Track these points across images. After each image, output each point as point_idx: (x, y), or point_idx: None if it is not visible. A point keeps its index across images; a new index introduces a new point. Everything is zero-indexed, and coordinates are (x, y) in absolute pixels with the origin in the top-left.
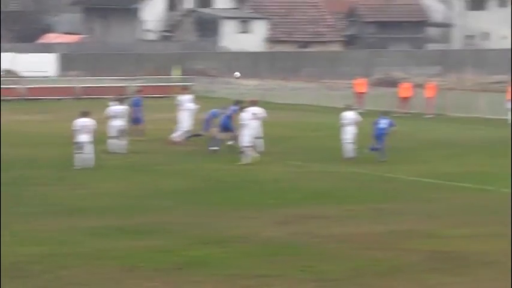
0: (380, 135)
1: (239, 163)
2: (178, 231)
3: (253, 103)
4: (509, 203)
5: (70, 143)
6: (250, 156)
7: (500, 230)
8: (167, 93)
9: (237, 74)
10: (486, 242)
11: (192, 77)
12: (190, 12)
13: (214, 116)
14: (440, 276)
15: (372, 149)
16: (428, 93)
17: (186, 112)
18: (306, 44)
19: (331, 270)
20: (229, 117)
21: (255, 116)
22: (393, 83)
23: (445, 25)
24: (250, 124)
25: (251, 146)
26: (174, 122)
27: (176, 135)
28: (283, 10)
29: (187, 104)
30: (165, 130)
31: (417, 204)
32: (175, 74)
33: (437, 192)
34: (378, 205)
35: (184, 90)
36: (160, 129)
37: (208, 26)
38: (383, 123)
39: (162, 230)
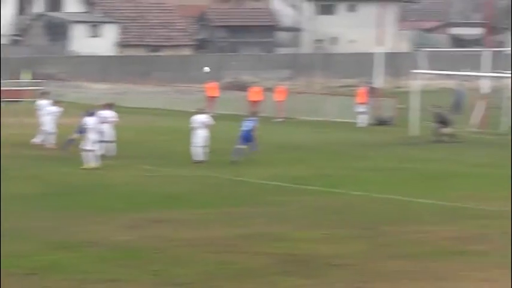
0: (245, 136)
1: (83, 167)
2: (30, 236)
3: (108, 107)
4: (360, 205)
5: None
6: (93, 160)
7: (350, 232)
8: (18, 98)
9: (207, 68)
10: (336, 244)
11: (42, 81)
12: (40, 16)
13: None
14: (291, 279)
15: (239, 150)
16: (278, 96)
17: (48, 116)
18: (157, 48)
19: (183, 274)
20: None
21: (105, 120)
22: (243, 87)
23: (295, 29)
24: (96, 128)
25: (94, 150)
26: (26, 126)
27: (39, 139)
28: (134, 14)
29: (47, 108)
30: (16, 135)
31: (267, 208)
32: (25, 78)
33: (287, 195)
34: (228, 209)
35: (44, 94)
36: (11, 133)
37: (58, 30)
38: (247, 125)
39: (13, 235)
